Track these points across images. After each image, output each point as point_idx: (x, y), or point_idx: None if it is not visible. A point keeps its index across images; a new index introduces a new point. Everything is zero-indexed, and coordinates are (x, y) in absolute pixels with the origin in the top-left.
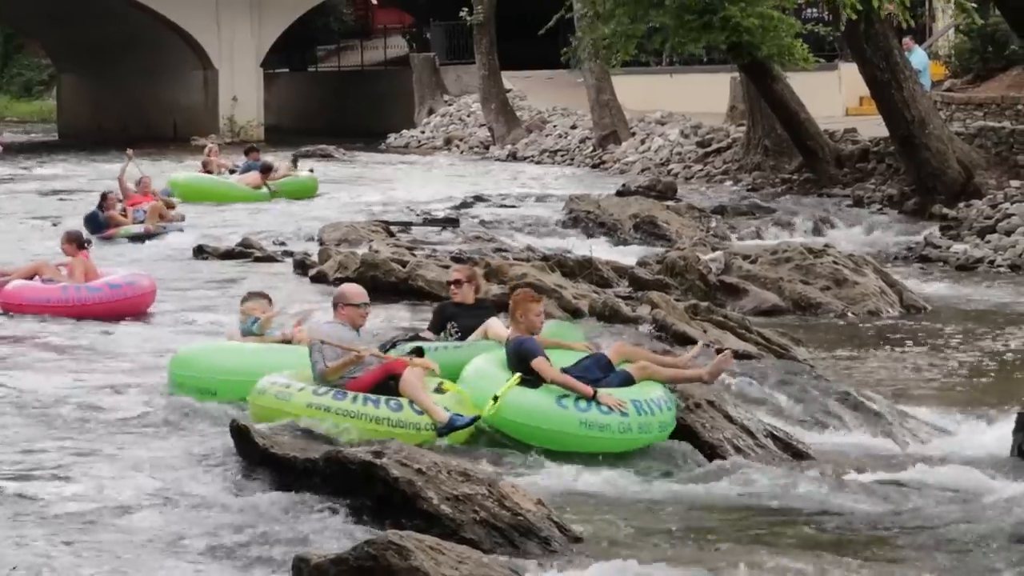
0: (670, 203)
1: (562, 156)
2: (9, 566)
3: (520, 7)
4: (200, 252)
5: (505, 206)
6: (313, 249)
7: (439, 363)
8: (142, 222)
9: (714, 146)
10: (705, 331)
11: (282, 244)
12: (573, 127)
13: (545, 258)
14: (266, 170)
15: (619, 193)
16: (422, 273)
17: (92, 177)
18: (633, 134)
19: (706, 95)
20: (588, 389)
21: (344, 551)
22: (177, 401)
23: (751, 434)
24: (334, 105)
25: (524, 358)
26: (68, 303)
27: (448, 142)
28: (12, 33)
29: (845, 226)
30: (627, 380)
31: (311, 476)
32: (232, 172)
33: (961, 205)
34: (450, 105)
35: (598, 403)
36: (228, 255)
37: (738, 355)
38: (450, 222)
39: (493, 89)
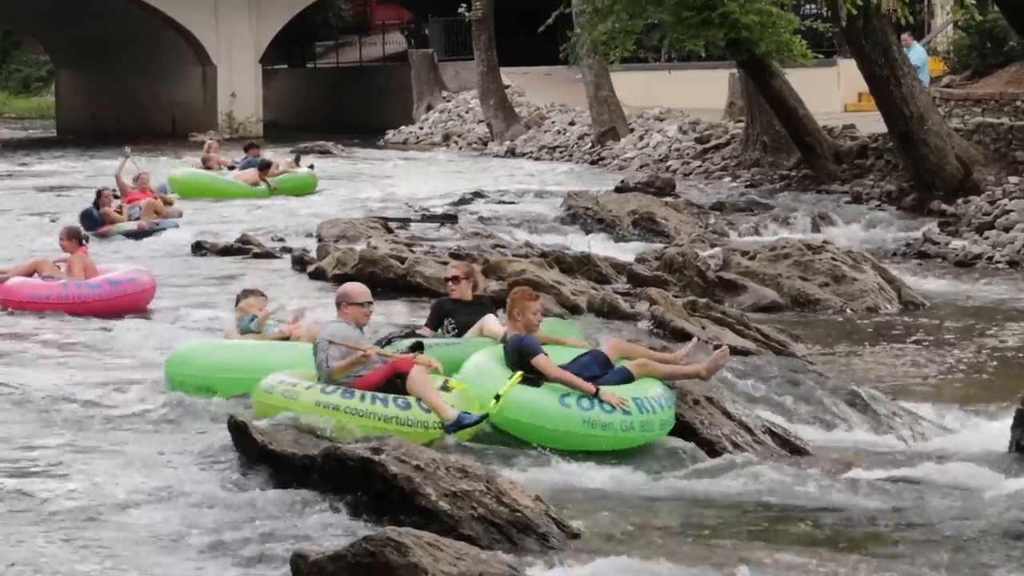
0: (668, 199)
1: (560, 152)
2: (7, 563)
3: (518, 3)
4: (199, 248)
5: (503, 202)
6: (311, 245)
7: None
8: (138, 219)
9: (712, 142)
10: (703, 327)
11: (280, 240)
12: (572, 123)
13: (543, 254)
14: (264, 167)
15: (618, 189)
16: (420, 269)
17: (90, 173)
18: (632, 130)
19: (705, 91)
20: (590, 387)
21: (342, 547)
22: (176, 398)
23: (749, 430)
24: (332, 101)
25: (524, 356)
26: (68, 300)
27: (447, 138)
28: (10, 29)
29: (843, 222)
30: (626, 377)
31: (309, 472)
32: (231, 168)
33: (960, 201)
34: (448, 101)
35: (600, 401)
36: (226, 251)
37: (736, 351)
38: (448, 218)
39: (492, 85)
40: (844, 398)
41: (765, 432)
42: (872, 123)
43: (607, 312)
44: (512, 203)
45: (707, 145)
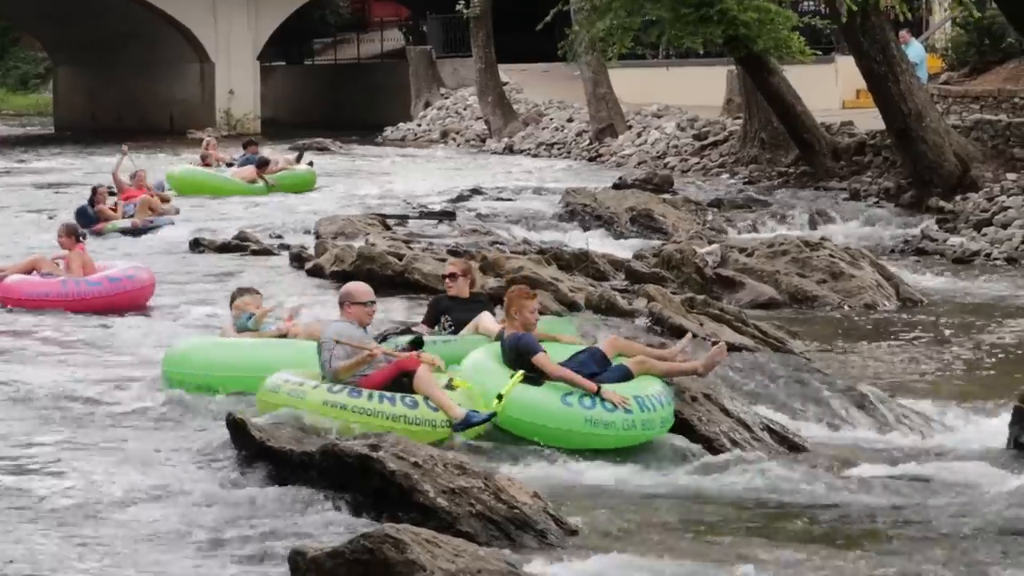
0: (666, 196)
1: (559, 149)
2: (6, 560)
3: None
4: (196, 245)
5: (501, 199)
6: (309, 242)
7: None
8: (132, 216)
9: (710, 139)
10: (702, 324)
11: (278, 237)
12: (570, 120)
13: (541, 251)
14: (262, 165)
15: (615, 186)
16: (418, 266)
17: (88, 171)
18: (630, 127)
19: (703, 88)
20: (592, 385)
21: (340, 544)
22: (174, 395)
23: (747, 427)
24: (330, 98)
25: (524, 355)
26: (67, 297)
27: (445, 135)
28: (8, 26)
29: (842, 219)
30: (625, 375)
31: (308, 469)
32: (230, 166)
33: (958, 198)
34: (446, 98)
35: (602, 399)
36: (224, 248)
37: (735, 348)
38: (446, 215)
39: (490, 82)
40: (842, 395)
41: (763, 429)
42: (870, 120)
43: (605, 309)
44: (510, 200)
45: (705, 142)
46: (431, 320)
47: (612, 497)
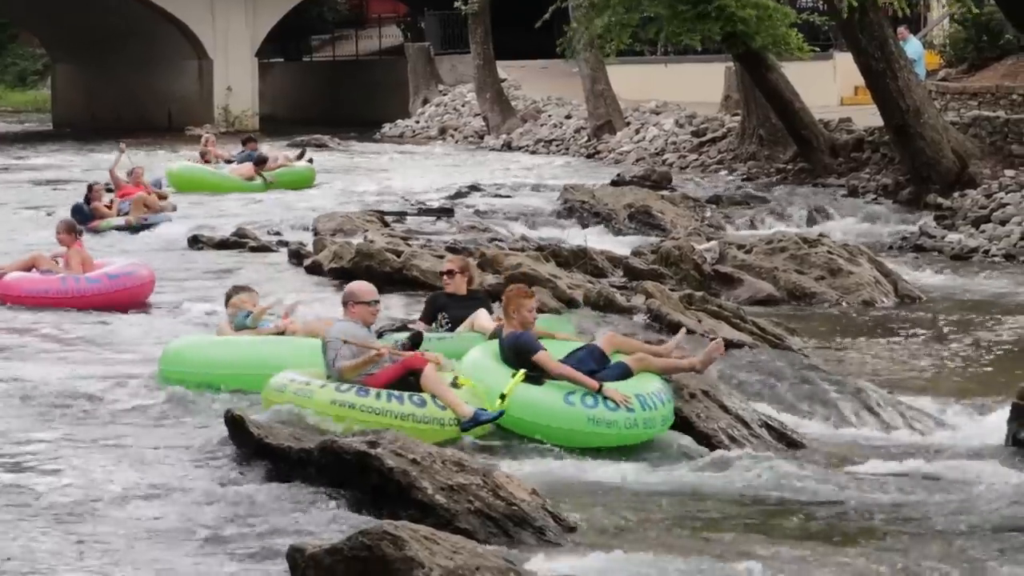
0: (665, 193)
1: (557, 146)
2: (4, 557)
3: None
4: (195, 242)
5: (500, 196)
6: (308, 239)
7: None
8: (127, 213)
9: (709, 136)
10: (700, 321)
11: (277, 234)
12: (568, 117)
13: (540, 248)
14: (260, 162)
15: (614, 183)
16: (417, 263)
17: (86, 167)
18: (628, 124)
19: (701, 85)
20: (593, 382)
21: (339, 541)
22: (173, 392)
23: (746, 424)
24: (329, 95)
25: (524, 353)
26: (67, 294)
27: (443, 132)
28: (6, 23)
29: (840, 216)
30: (625, 372)
31: (306, 466)
32: (229, 163)
33: (956, 195)
34: (445, 95)
35: (604, 398)
36: (223, 245)
37: (733, 345)
38: (445, 212)
39: (488, 79)
40: (840, 391)
41: (761, 426)
42: (868, 116)
43: (603, 306)
44: (508, 197)
45: (703, 138)
46: (428, 317)
47: (610, 494)
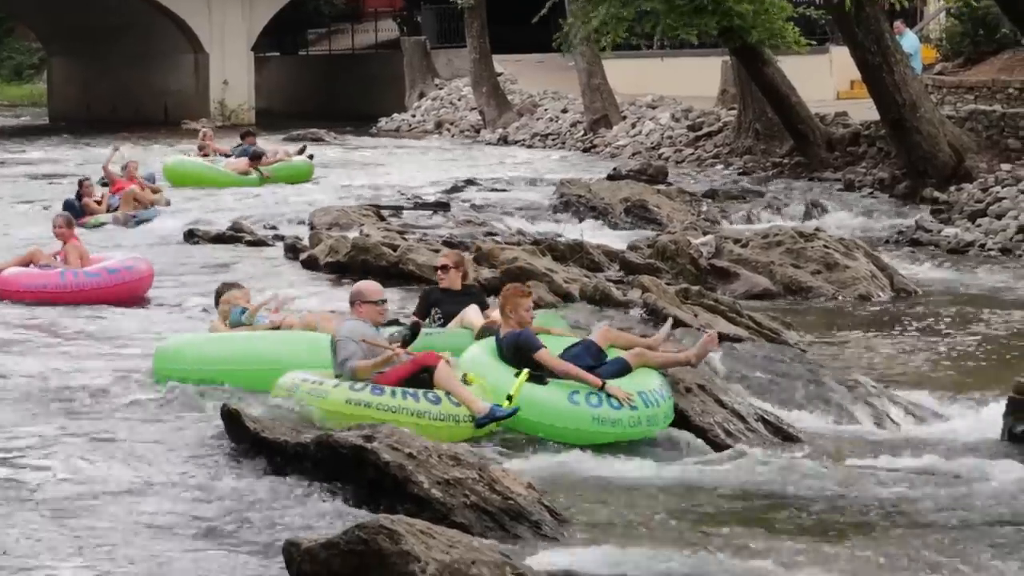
0: (661, 187)
1: (553, 140)
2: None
3: None
4: (191, 236)
5: (496, 190)
6: (304, 233)
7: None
8: (117, 208)
9: (705, 130)
10: (696, 315)
11: (273, 228)
12: (564, 111)
13: (536, 242)
14: (256, 157)
15: (610, 177)
16: (413, 257)
17: (82, 161)
18: (624, 118)
19: (697, 79)
20: (596, 380)
21: (335, 535)
22: (170, 387)
23: (742, 418)
24: (325, 89)
25: (526, 351)
26: (66, 289)
27: (439, 126)
28: (2, 17)
29: (836, 210)
30: (624, 368)
31: (302, 460)
32: (227, 156)
33: (952, 189)
34: (441, 89)
35: (608, 396)
36: (219, 239)
37: (729, 339)
38: (441, 206)
39: (484, 73)
40: (836, 386)
41: (758, 420)
42: (864, 110)
43: (600, 300)
44: (504, 191)
45: (699, 133)
46: (422, 312)
47: (606, 488)
